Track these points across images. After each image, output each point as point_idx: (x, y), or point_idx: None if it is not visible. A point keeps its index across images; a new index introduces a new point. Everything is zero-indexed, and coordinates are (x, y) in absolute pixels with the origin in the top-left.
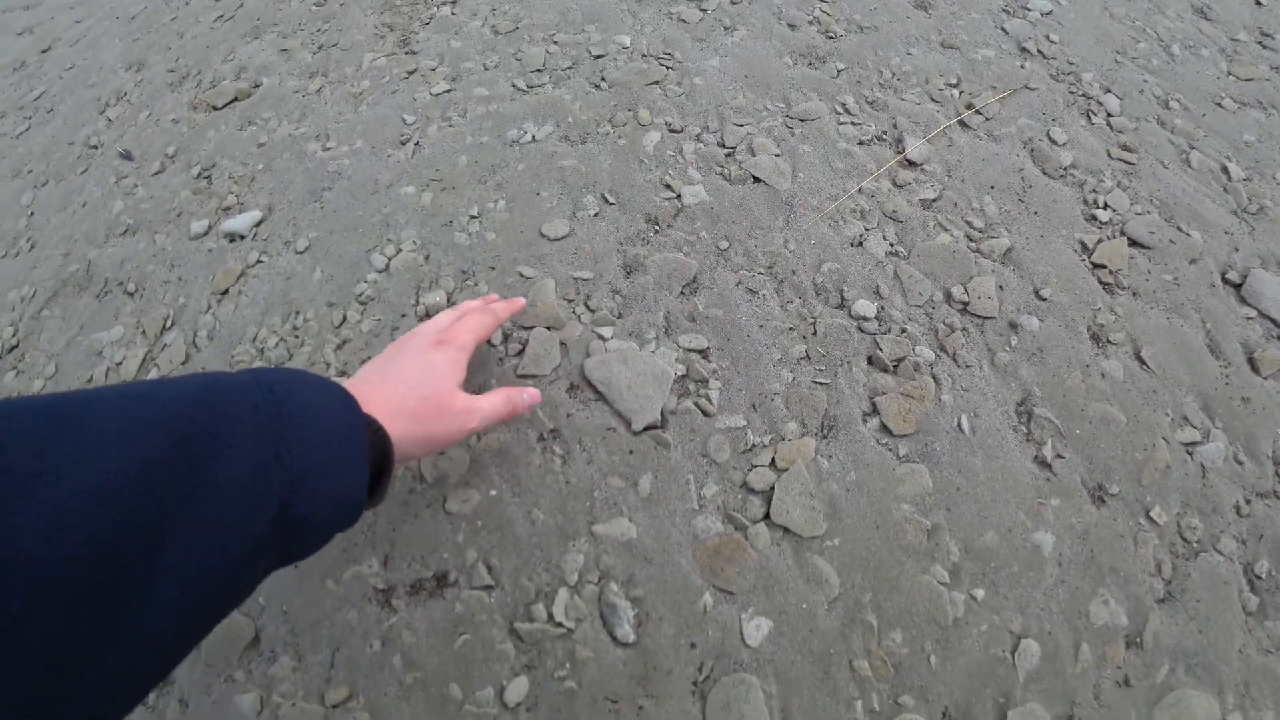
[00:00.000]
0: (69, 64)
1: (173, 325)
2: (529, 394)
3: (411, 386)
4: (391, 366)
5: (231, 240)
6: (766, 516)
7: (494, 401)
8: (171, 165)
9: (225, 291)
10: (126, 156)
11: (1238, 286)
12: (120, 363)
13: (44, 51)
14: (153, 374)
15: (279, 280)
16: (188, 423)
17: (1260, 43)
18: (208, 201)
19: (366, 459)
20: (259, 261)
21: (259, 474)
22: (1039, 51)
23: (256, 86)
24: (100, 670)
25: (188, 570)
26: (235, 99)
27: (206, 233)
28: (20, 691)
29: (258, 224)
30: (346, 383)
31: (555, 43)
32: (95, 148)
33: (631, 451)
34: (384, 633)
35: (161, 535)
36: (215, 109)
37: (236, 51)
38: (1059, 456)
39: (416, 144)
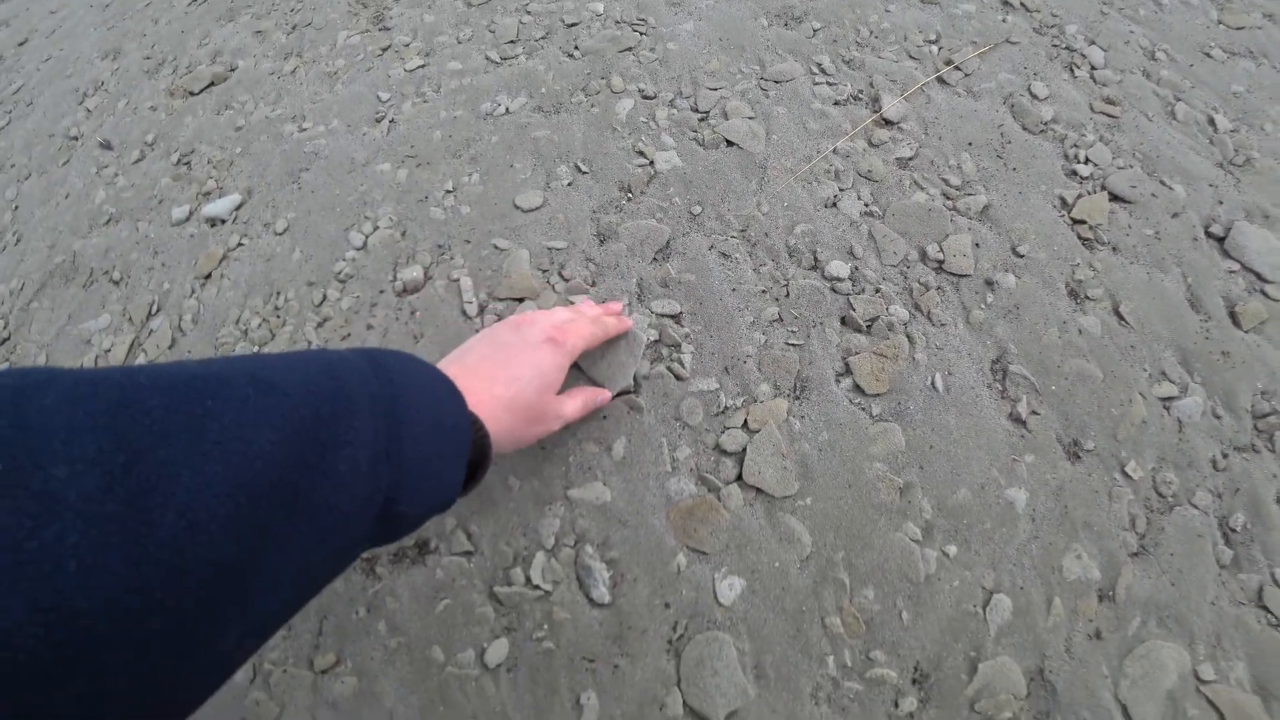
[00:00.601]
0: (46, 56)
1: (158, 311)
2: (601, 396)
3: (521, 388)
4: (505, 359)
5: (212, 225)
6: (739, 477)
7: (575, 407)
8: (151, 153)
9: (208, 276)
10: (106, 146)
11: (1221, 240)
12: (109, 350)
13: (21, 44)
14: (140, 360)
15: (260, 262)
16: (316, 413)
17: None
18: (188, 187)
19: (466, 460)
20: (240, 244)
21: (373, 468)
22: (1022, 4)
23: (232, 70)
24: (215, 650)
25: (305, 556)
26: (211, 83)
27: (188, 218)
28: (146, 669)
29: (237, 207)
30: (458, 368)
31: (529, 13)
32: (75, 139)
33: (605, 416)
34: (369, 600)
35: (289, 522)
36: (192, 94)
37: (211, 35)
38: (1034, 413)
39: (391, 121)
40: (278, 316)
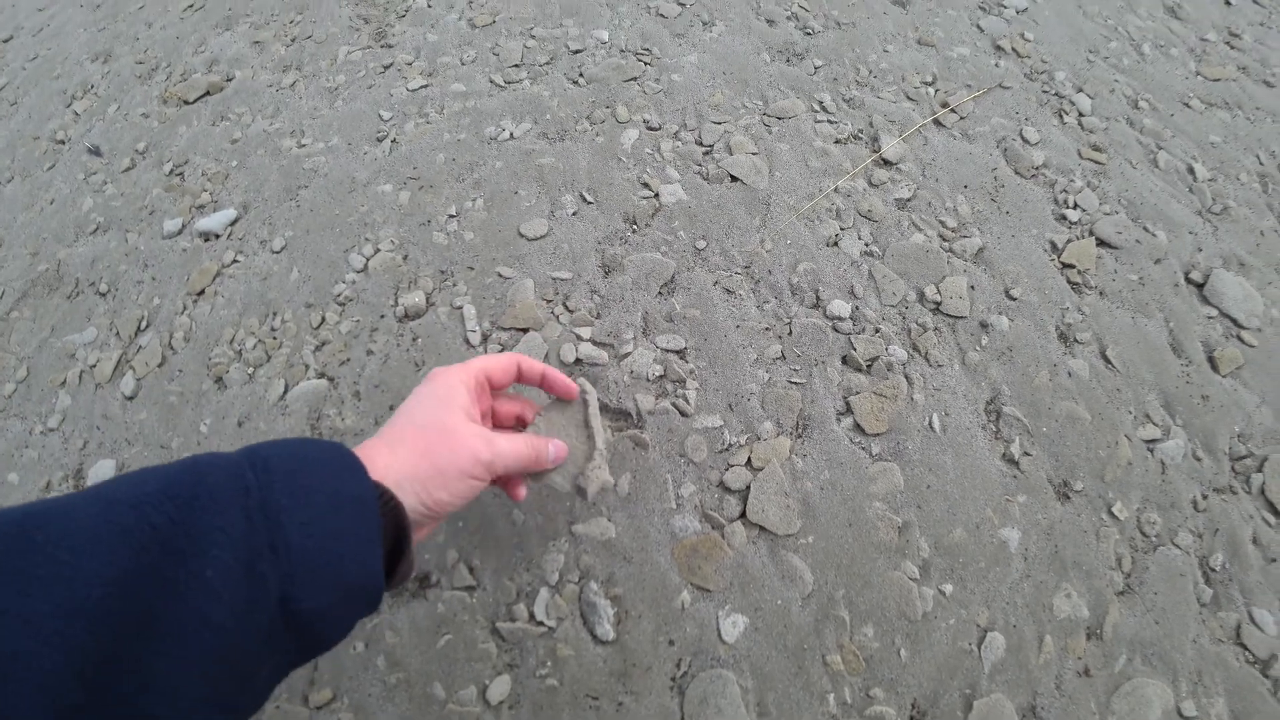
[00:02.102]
0: (32, 54)
1: (148, 326)
2: (555, 446)
3: (410, 418)
4: (395, 414)
5: (206, 239)
6: (743, 515)
7: (513, 443)
8: (142, 161)
9: (201, 292)
10: (95, 152)
11: (1200, 286)
12: (94, 364)
13: (5, 41)
14: (127, 376)
15: (256, 280)
16: (169, 520)
17: (1229, 43)
18: (181, 199)
19: (378, 537)
20: (235, 261)
21: (250, 568)
22: (1013, 50)
23: (229, 80)
24: None
25: (186, 676)
26: (207, 92)
27: (180, 231)
28: None
29: (233, 223)
30: (373, 439)
31: (533, 37)
32: (62, 142)
33: (612, 456)
34: (367, 634)
35: (149, 643)
36: (187, 103)
37: (208, 43)
38: (1026, 454)
39: (394, 141)
40: (274, 338)
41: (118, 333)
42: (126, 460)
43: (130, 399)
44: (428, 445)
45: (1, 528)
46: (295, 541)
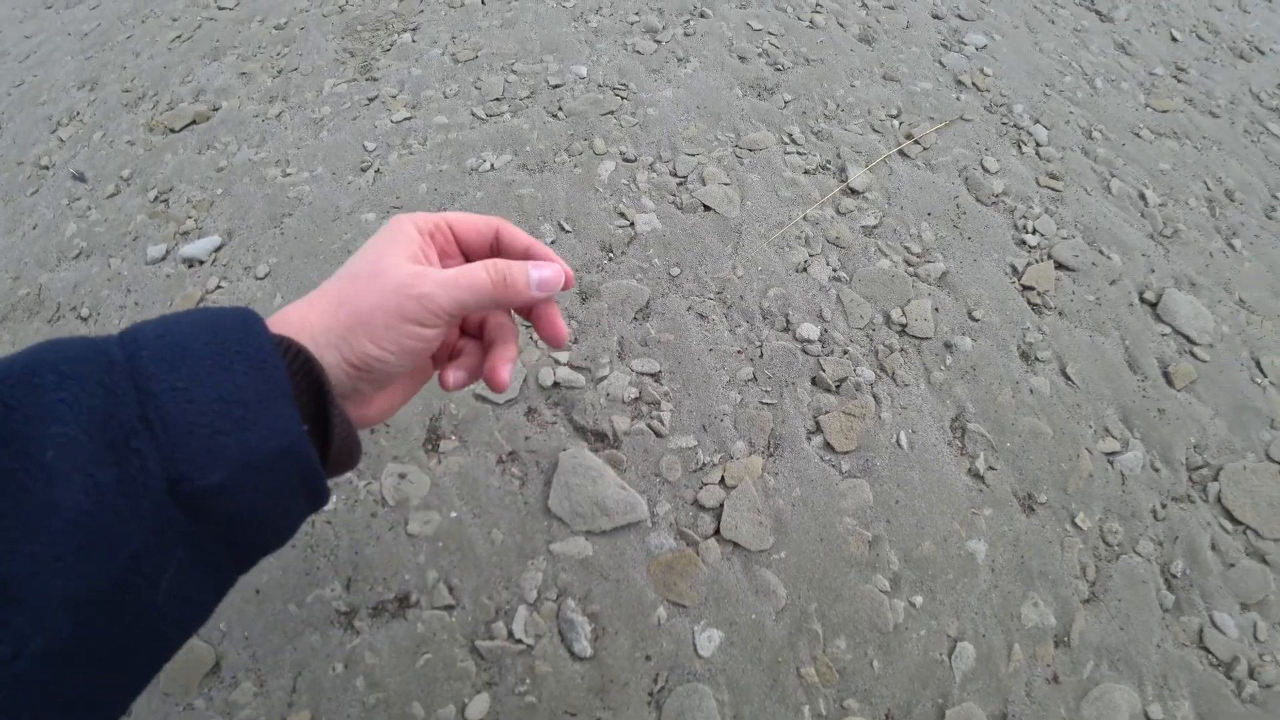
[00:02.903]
0: (18, 80)
1: None
2: (540, 269)
3: (345, 269)
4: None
5: (190, 265)
6: (717, 532)
7: (466, 271)
8: (127, 188)
9: None
10: (79, 178)
11: (1154, 305)
12: None
13: None
14: None
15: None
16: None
17: (1176, 77)
18: (165, 225)
19: (284, 395)
20: (219, 287)
21: (115, 445)
22: (974, 84)
23: (215, 109)
24: None
25: (38, 569)
26: (193, 121)
27: (164, 257)
28: None
29: (217, 249)
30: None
31: (514, 72)
32: (46, 168)
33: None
34: (347, 655)
35: None
36: (173, 131)
37: (195, 73)
38: (991, 469)
39: (377, 171)
40: None
41: None
42: None
43: None
44: (351, 291)
45: None
46: (170, 409)
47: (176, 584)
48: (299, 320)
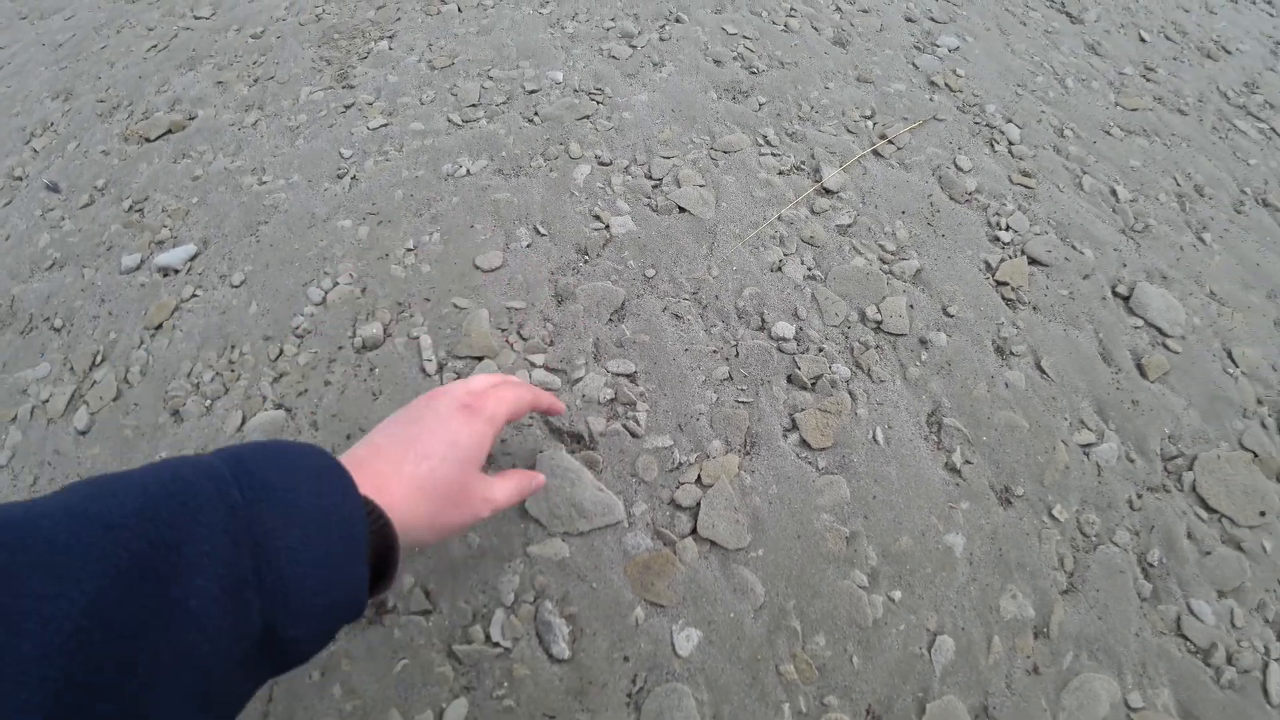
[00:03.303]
0: None
1: (103, 361)
2: (538, 480)
3: (435, 465)
4: (414, 434)
5: (165, 274)
6: (694, 531)
7: (507, 492)
8: (101, 198)
9: (159, 326)
10: (53, 188)
11: (1126, 299)
12: (47, 400)
13: None
14: (80, 411)
15: (214, 314)
16: (150, 544)
17: (1144, 76)
18: (140, 235)
19: (365, 561)
20: (194, 296)
21: (235, 596)
22: (947, 85)
23: (191, 118)
24: None
25: (164, 708)
26: (169, 130)
27: (138, 267)
28: None
29: (192, 258)
30: (364, 450)
31: (490, 78)
32: (20, 179)
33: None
34: (323, 662)
35: (130, 675)
36: (148, 141)
37: (171, 82)
38: (968, 462)
39: (353, 178)
40: (232, 370)
41: (72, 367)
42: None
43: (83, 434)
44: (445, 504)
45: None
46: (284, 570)
47: (242, 706)
48: (395, 491)
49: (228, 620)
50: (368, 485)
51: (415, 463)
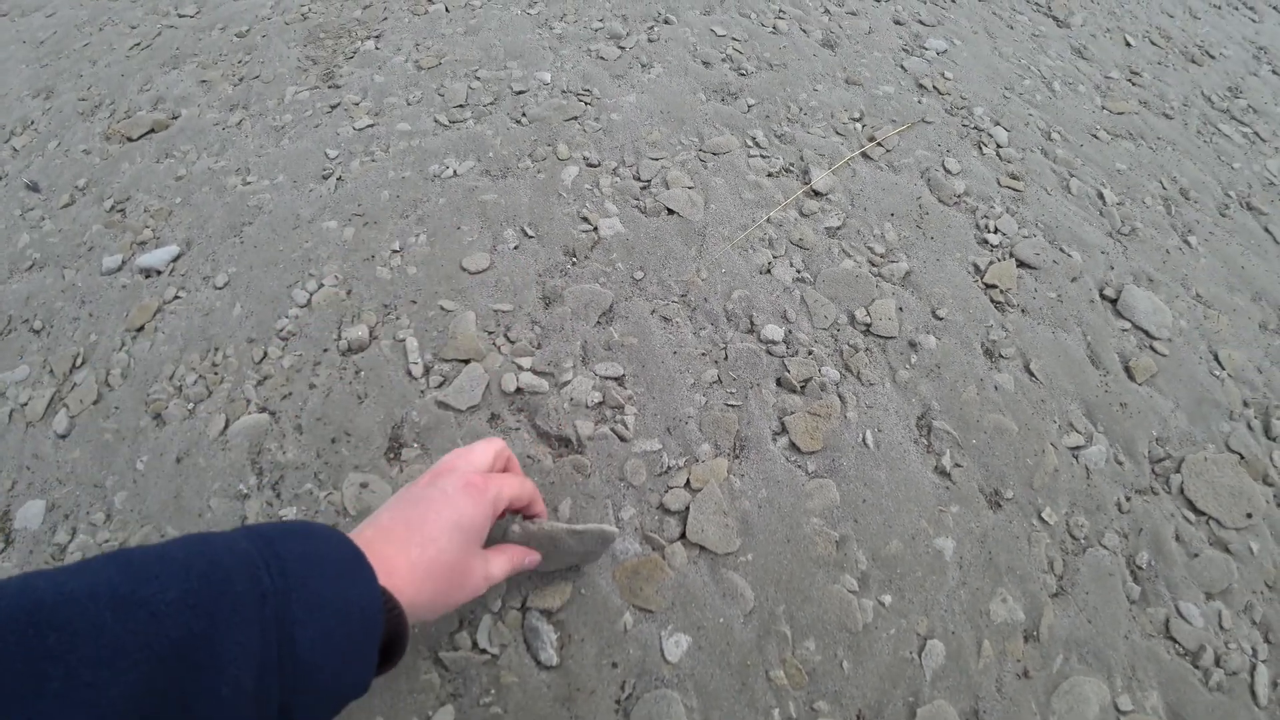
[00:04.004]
0: None
1: (83, 363)
2: (531, 557)
3: (440, 549)
4: (419, 516)
5: (147, 276)
6: (683, 536)
7: (502, 566)
8: (82, 198)
9: (140, 328)
10: (33, 188)
11: (1113, 301)
12: (26, 403)
13: None
14: (60, 414)
15: (197, 316)
16: (189, 633)
17: (1130, 80)
18: (121, 235)
19: (377, 647)
20: (176, 297)
21: (261, 682)
22: (935, 88)
23: (175, 118)
24: None
25: None
26: (152, 130)
27: (120, 268)
28: None
29: (175, 259)
30: (372, 531)
31: (478, 78)
32: None
33: (553, 481)
34: None
35: None
36: (130, 140)
37: (154, 81)
38: (957, 465)
39: (339, 178)
40: (215, 373)
41: (51, 370)
42: (57, 500)
43: (63, 437)
44: (448, 588)
45: (10, 615)
46: (304, 658)
47: None
48: (404, 577)
49: (251, 706)
50: (377, 570)
51: (421, 547)
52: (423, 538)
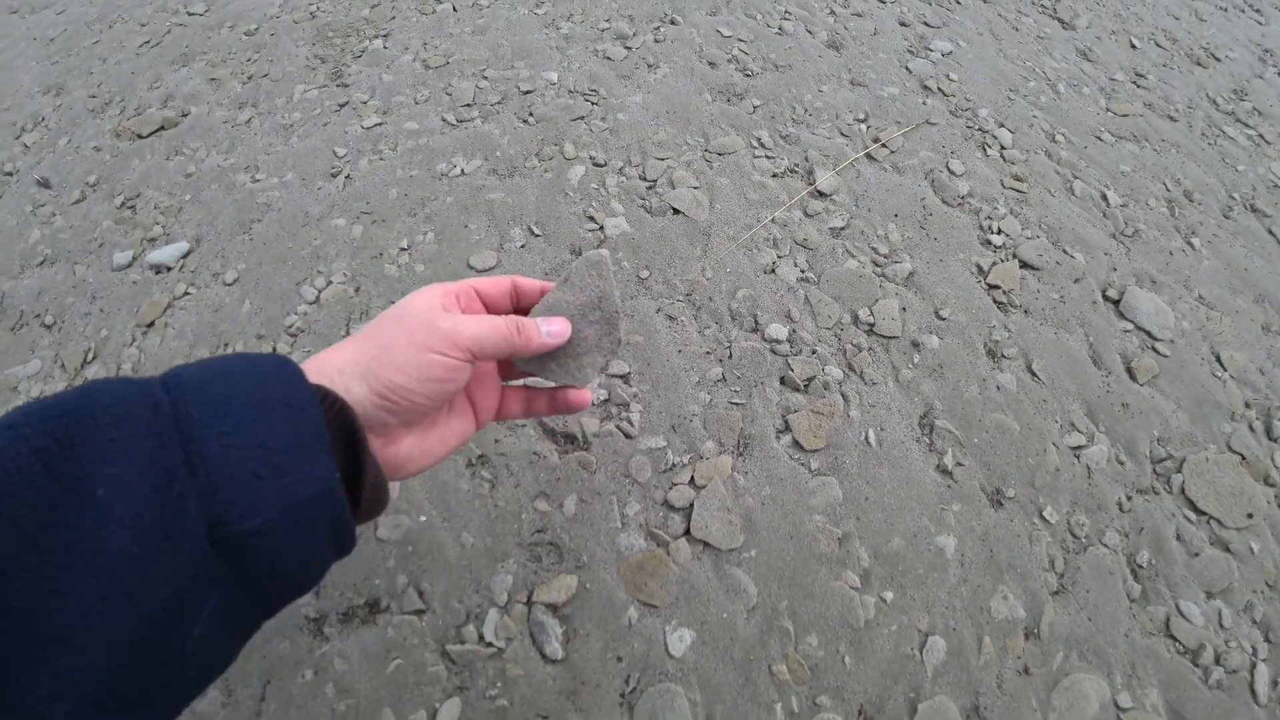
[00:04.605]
0: None
1: (94, 358)
2: (550, 324)
3: (374, 326)
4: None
5: (157, 272)
6: (687, 532)
7: (477, 329)
8: (93, 194)
9: (151, 324)
10: (44, 184)
11: (1116, 303)
12: (37, 398)
13: None
14: None
15: (207, 312)
16: (51, 444)
17: (1135, 82)
18: (132, 232)
19: (321, 441)
20: (186, 293)
21: (161, 488)
22: (940, 89)
23: (184, 115)
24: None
25: (83, 609)
26: (162, 127)
27: (130, 264)
28: None
29: (185, 255)
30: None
31: (485, 78)
32: (10, 174)
33: (558, 477)
34: (316, 661)
35: (36, 575)
36: (140, 137)
37: (163, 78)
38: (959, 464)
39: (347, 176)
40: None
41: (63, 365)
42: None
43: None
44: (378, 329)
45: None
46: (213, 453)
47: (207, 630)
48: (328, 360)
49: (153, 511)
50: (318, 375)
51: (357, 335)
52: (362, 332)
